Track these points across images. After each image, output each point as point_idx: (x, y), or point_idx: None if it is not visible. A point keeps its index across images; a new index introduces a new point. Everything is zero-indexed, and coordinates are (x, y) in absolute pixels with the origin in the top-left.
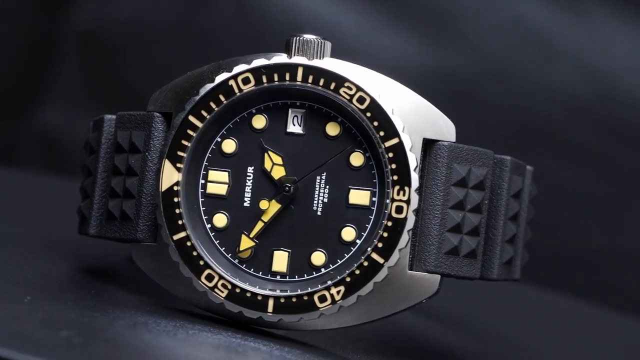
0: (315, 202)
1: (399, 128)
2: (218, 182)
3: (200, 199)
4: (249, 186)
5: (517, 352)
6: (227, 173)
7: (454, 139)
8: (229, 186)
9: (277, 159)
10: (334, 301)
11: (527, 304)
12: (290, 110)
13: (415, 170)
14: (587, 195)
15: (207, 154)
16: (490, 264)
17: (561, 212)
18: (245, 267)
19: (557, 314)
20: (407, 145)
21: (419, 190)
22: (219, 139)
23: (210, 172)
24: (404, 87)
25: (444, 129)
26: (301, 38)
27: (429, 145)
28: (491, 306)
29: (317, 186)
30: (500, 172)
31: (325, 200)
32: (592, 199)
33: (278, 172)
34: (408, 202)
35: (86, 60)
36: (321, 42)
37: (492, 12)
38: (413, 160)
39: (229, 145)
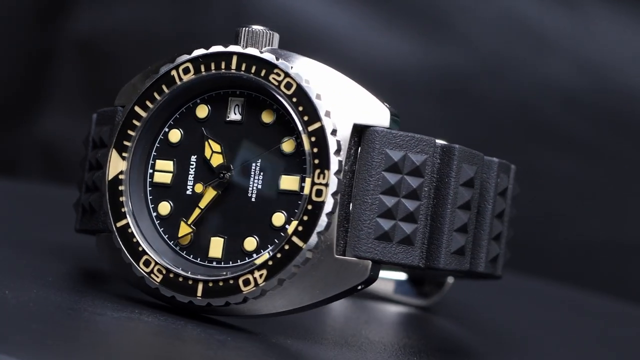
0: (250, 188)
1: (321, 112)
2: (164, 171)
3: (148, 188)
4: (191, 174)
5: (517, 343)
6: (172, 162)
7: (387, 125)
8: (173, 175)
9: (216, 147)
10: (256, 284)
11: (528, 296)
12: (230, 99)
13: (336, 153)
14: (586, 187)
15: (156, 144)
16: (437, 252)
17: (561, 204)
18: (185, 254)
19: (559, 305)
20: (328, 129)
21: (353, 175)
22: (166, 129)
23: (157, 161)
24: (342, 75)
25: (377, 115)
26: (249, 29)
27: (363, 131)
28: (490, 299)
29: (253, 173)
30: (449, 160)
31: (259, 186)
32: (591, 190)
33: (216, 160)
34: (327, 185)
35: (84, 68)
36: (269, 33)
37: (486, 8)
38: (333, 143)
39: (175, 135)
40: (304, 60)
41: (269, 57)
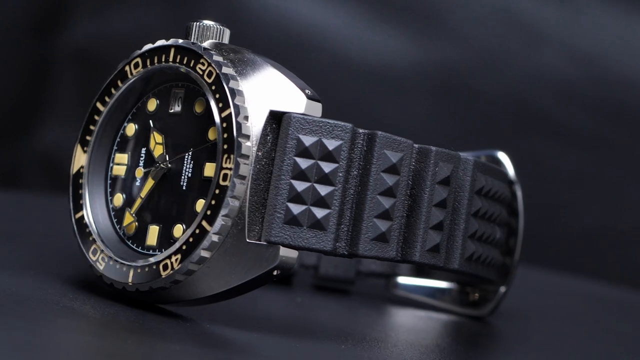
0: (183, 177)
1: (231, 99)
2: (120, 164)
3: (108, 181)
4: (140, 166)
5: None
6: (127, 155)
7: (302, 110)
8: (127, 167)
9: (159, 138)
10: (172, 268)
11: (533, 284)
12: (173, 91)
13: (242, 138)
14: (584, 176)
15: (117, 139)
16: (357, 239)
17: (559, 194)
18: (130, 243)
19: (564, 293)
20: (237, 115)
21: (273, 162)
22: (125, 124)
23: (116, 155)
24: (268, 64)
25: (292, 101)
26: (200, 24)
27: (281, 117)
28: None
29: (185, 162)
30: (372, 146)
31: (189, 175)
32: (589, 179)
33: (158, 151)
34: (231, 169)
35: (81, 78)
36: (220, 29)
37: (477, 3)
38: (240, 128)
39: (130, 129)
40: (240, 51)
41: (197, 47)
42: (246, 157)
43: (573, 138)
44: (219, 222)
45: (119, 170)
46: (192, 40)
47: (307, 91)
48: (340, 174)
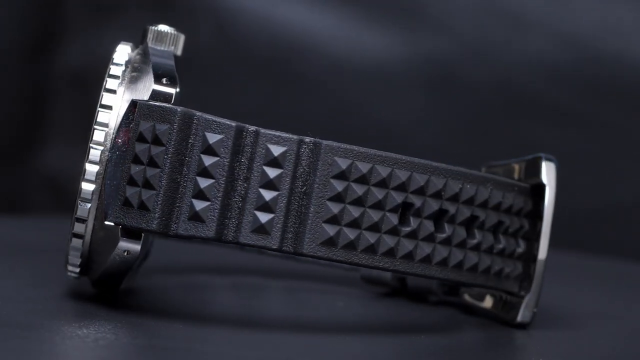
0: None
1: (102, 90)
2: None
3: None
4: None
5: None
6: None
7: (146, 98)
8: None
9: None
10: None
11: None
12: None
13: (98, 125)
14: (579, 156)
15: None
16: (177, 219)
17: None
18: None
19: (567, 271)
20: (99, 105)
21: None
22: None
23: None
24: (149, 58)
25: (145, 90)
26: (156, 29)
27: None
28: None
29: None
30: (188, 128)
31: None
32: (584, 158)
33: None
34: (85, 155)
35: (78, 99)
36: (175, 34)
37: None
38: (98, 116)
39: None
40: (147, 51)
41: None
42: (98, 143)
43: (565, 118)
44: (78, 206)
45: None
46: (148, 43)
47: (163, 80)
48: (166, 157)
